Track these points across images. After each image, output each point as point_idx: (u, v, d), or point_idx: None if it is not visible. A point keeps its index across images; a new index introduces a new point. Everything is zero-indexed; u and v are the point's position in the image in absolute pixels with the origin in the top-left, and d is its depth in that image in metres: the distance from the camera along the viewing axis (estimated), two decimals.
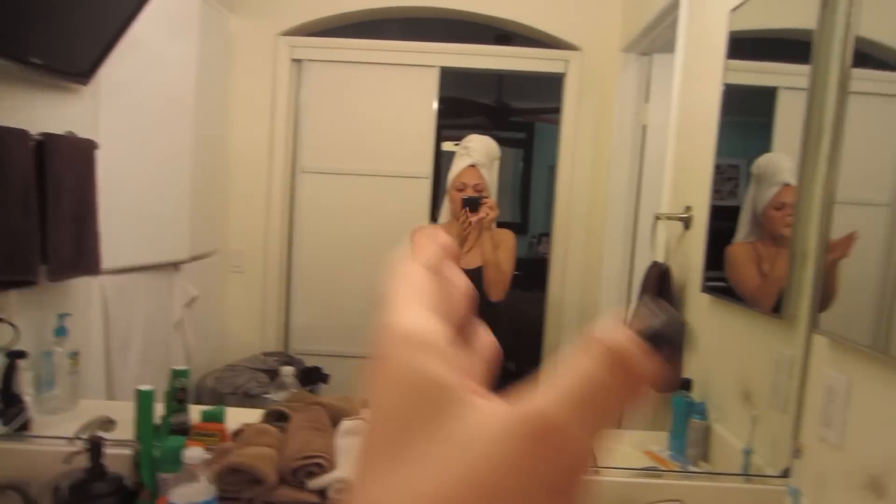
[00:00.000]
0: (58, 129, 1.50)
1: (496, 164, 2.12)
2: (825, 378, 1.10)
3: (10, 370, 1.29)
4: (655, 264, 1.66)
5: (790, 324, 1.22)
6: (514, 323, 2.37)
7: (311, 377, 1.99)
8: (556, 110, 2.50)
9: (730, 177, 1.53)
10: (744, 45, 1.49)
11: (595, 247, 2.40)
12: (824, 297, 1.10)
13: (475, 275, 1.97)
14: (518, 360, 2.65)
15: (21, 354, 1.31)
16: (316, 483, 1.03)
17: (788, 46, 1.46)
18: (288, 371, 1.39)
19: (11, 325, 1.30)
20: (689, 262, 1.57)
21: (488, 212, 1.94)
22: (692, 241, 1.57)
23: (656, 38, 2.16)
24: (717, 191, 1.51)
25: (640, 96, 2.31)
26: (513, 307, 2.16)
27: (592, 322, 0.21)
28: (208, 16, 2.19)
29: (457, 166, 2.03)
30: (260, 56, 2.43)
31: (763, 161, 1.44)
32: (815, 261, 1.15)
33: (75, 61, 1.55)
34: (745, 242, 1.43)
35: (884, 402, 0.95)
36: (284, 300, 2.49)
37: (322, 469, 1.04)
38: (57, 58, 1.48)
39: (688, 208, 1.61)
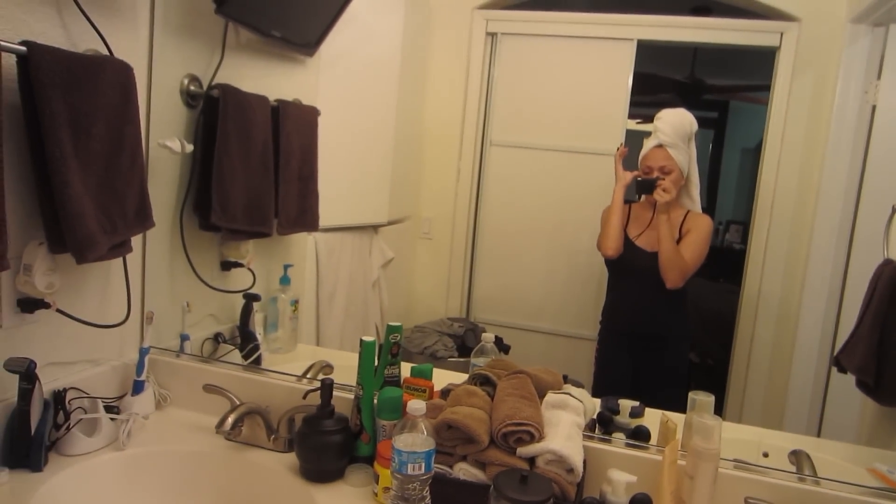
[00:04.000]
0: (288, 96, 1.64)
1: (692, 140, 2.02)
2: None
3: (248, 311, 1.45)
4: (889, 262, 1.49)
5: None
6: (698, 313, 2.26)
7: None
8: (758, 87, 2.31)
9: None
10: None
11: (802, 238, 2.20)
12: None
13: (654, 258, 1.90)
14: (702, 352, 2.53)
15: (256, 297, 1.47)
16: (526, 451, 1.05)
17: None
18: (489, 338, 1.43)
19: (251, 271, 1.47)
20: None
21: (662, 195, 1.86)
22: None
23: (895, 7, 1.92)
24: None
25: (870, 73, 2.07)
26: (697, 297, 2.06)
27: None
28: None
29: (645, 146, 1.97)
30: (456, 29, 2.47)
31: None
32: None
33: (306, 35, 1.67)
34: None
35: None
36: (468, 269, 2.56)
37: (531, 437, 1.06)
38: (292, 31, 1.61)
39: None
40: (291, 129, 1.61)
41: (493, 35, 2.48)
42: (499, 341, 2.16)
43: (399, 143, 2.25)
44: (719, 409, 2.36)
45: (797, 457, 1.22)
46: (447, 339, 2.14)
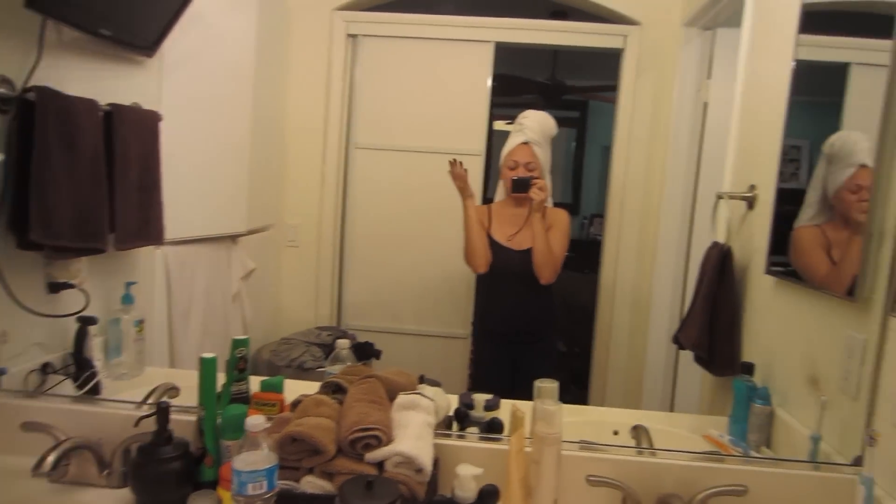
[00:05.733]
0: (124, 100, 1.53)
1: (551, 141, 2.08)
2: None
3: (82, 335, 1.34)
4: (716, 245, 1.61)
5: (864, 307, 1.17)
6: (565, 304, 2.35)
7: (364, 352, 2.00)
8: (613, 88, 2.44)
9: (792, 158, 1.46)
10: (817, 19, 1.41)
11: (650, 228, 2.35)
12: None
13: (525, 257, 1.95)
14: (569, 341, 2.64)
15: (91, 321, 1.36)
16: (373, 455, 1.04)
17: (864, 20, 1.38)
18: (343, 344, 1.41)
19: (83, 291, 1.36)
20: (753, 243, 1.51)
21: (538, 193, 1.91)
22: (756, 222, 1.51)
23: (720, 12, 2.09)
24: (779, 172, 1.45)
25: (701, 72, 2.24)
26: (564, 289, 2.14)
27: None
28: None
29: (510, 143, 2.01)
30: (316, 31, 2.44)
31: (837, 140, 1.36)
32: (893, 242, 1.10)
33: (141, 34, 1.57)
34: (811, 226, 1.37)
35: None
36: (337, 275, 2.52)
37: (379, 442, 1.05)
38: (124, 30, 1.51)
39: (752, 187, 1.56)
40: (128, 136, 1.50)
41: (353, 37, 2.46)
42: (370, 346, 2.13)
43: (257, 149, 2.17)
44: (584, 394, 2.47)
45: (637, 432, 1.29)
46: (315, 349, 2.09)
